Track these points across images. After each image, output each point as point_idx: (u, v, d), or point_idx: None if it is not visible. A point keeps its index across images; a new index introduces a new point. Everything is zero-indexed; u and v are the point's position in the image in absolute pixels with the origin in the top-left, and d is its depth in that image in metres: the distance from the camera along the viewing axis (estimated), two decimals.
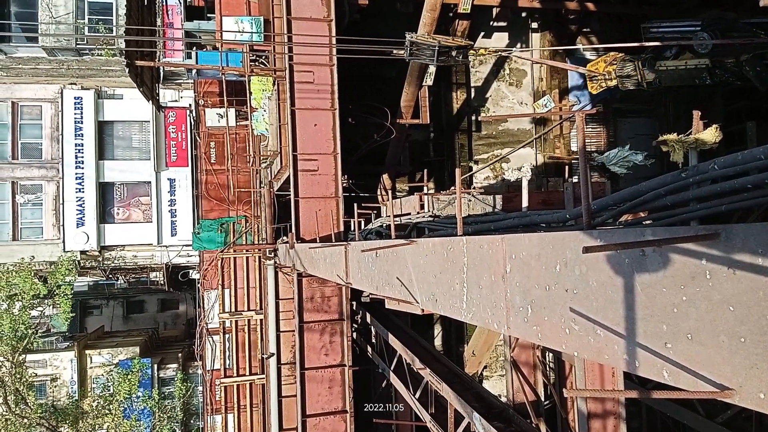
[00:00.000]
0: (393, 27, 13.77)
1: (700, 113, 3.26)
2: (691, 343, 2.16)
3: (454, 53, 10.60)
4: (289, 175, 10.94)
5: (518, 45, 17.78)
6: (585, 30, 17.84)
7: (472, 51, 11.84)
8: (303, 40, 10.65)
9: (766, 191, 2.80)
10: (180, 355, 25.29)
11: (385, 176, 15.02)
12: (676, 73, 11.38)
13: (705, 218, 3.16)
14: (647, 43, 11.36)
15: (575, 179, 12.07)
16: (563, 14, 17.02)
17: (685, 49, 11.23)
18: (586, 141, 3.20)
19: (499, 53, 15.94)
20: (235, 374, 17.40)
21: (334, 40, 10.96)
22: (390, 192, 7.93)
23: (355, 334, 13.82)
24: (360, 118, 14.30)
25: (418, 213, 7.60)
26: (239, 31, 13.03)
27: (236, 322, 17.51)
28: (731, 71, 10.78)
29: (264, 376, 14.78)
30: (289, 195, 10.75)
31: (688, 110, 17.23)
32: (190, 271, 24.09)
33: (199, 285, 20.41)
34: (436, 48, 10.36)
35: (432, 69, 13.49)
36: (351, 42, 9.90)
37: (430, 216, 7.21)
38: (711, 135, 2.94)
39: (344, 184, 11.34)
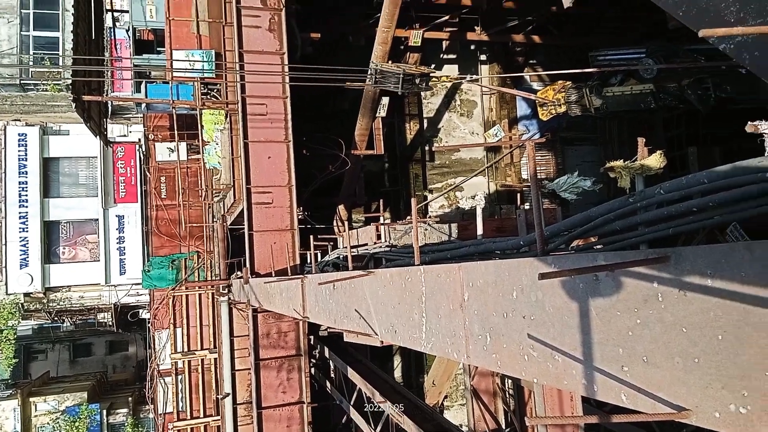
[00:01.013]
0: (345, 60, 13.91)
1: (644, 140, 3.38)
2: (647, 366, 2.18)
3: (417, 80, 10.93)
4: (242, 209, 10.79)
5: (468, 76, 18.21)
6: (532, 62, 18.45)
7: (434, 78, 12.21)
8: (256, 73, 10.63)
9: (710, 214, 2.90)
10: (130, 399, 24.23)
11: (341, 207, 14.98)
12: (622, 98, 11.83)
13: (653, 242, 3.24)
14: (593, 69, 11.83)
15: (527, 206, 12.31)
16: (510, 47, 17.58)
17: (630, 75, 11.71)
18: (537, 168, 3.24)
19: (459, 80, 16.36)
20: (188, 417, 16.74)
21: (287, 73, 11.00)
22: (346, 223, 7.91)
23: (313, 370, 13.55)
24: (315, 149, 14.29)
25: (375, 243, 7.58)
26: (190, 62, 12.93)
27: (189, 362, 16.93)
28: (674, 95, 11.25)
29: (219, 417, 14.28)
30: (243, 229, 10.58)
31: (631, 137, 17.91)
32: (140, 310, 23.29)
33: (149, 325, 19.73)
34: (401, 75, 10.70)
35: (385, 100, 13.66)
36: (305, 73, 9.95)
37: (387, 246, 7.19)
38: (656, 161, 3.03)
39: (300, 216, 11.24)
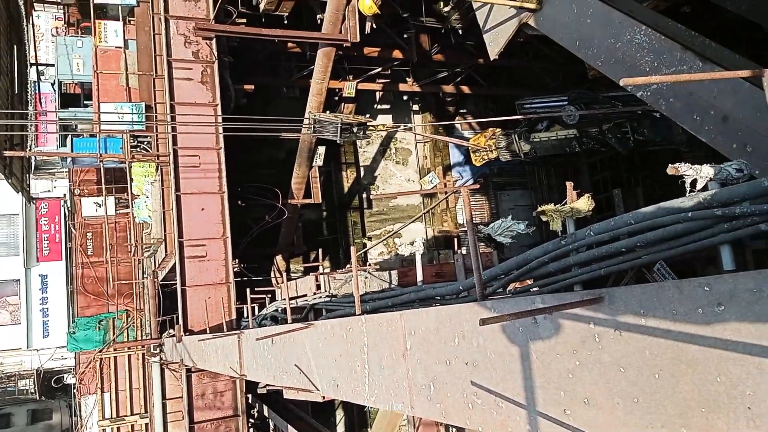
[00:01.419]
0: (279, 111, 13.97)
1: (572, 184, 3.49)
2: (589, 408, 2.18)
3: (355, 129, 11.16)
4: (175, 263, 10.42)
5: (403, 125, 18.62)
6: (462, 110, 19.09)
7: (371, 127, 12.54)
8: (188, 124, 10.48)
9: (638, 254, 3.00)
10: None
11: (279, 258, 14.73)
12: (549, 143, 12.53)
13: (587, 282, 3.32)
14: (520, 116, 12.52)
15: (464, 250, 12.48)
16: (442, 96, 18.16)
17: (555, 121, 12.42)
18: (472, 213, 3.28)
19: (394, 129, 16.71)
20: None
21: (220, 123, 10.90)
22: (284, 274, 7.74)
23: (252, 430, 12.96)
24: (250, 200, 14.10)
25: (314, 294, 7.44)
26: (119, 115, 12.61)
27: (118, 428, 15.88)
28: (596, 139, 12.01)
29: None
30: (176, 284, 10.19)
31: (560, 181, 18.68)
32: (65, 375, 21.82)
33: (75, 391, 18.46)
34: (339, 125, 10.88)
35: (321, 150, 13.73)
36: (239, 123, 9.89)
37: (328, 296, 7.08)
38: (584, 203, 3.13)
39: (235, 269, 10.98)
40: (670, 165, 2.67)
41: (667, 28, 5.03)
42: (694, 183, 2.66)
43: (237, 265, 11.68)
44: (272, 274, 14.91)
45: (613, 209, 15.09)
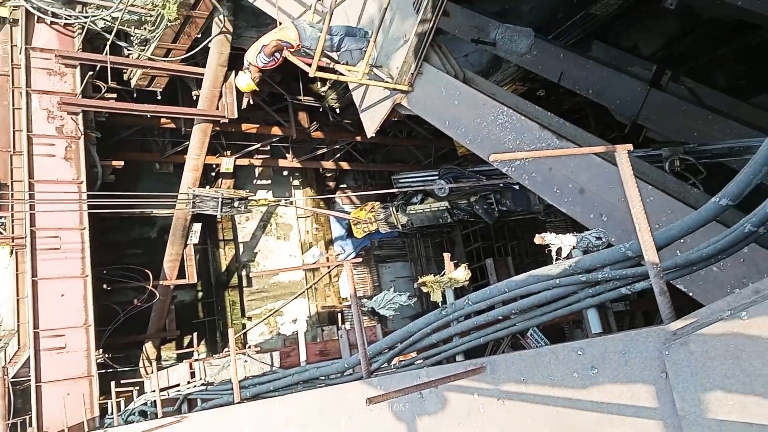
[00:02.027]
0: (151, 188, 13.37)
1: (449, 255, 3.60)
2: None
3: (236, 203, 11.29)
4: (29, 357, 9.32)
5: (283, 200, 18.54)
6: (342, 185, 19.43)
7: (253, 201, 12.67)
8: (48, 202, 9.70)
9: (513, 321, 3.11)
10: None
11: (149, 345, 13.68)
12: (423, 214, 13.59)
13: (468, 351, 3.37)
14: (396, 190, 13.44)
15: (349, 325, 12.38)
16: (322, 172, 18.41)
17: (428, 195, 13.38)
18: (355, 287, 3.25)
19: (275, 203, 16.57)
20: None
21: (85, 201, 10.21)
22: (155, 362, 7.17)
23: None
24: (117, 282, 13.11)
25: (189, 383, 6.91)
26: None
27: None
28: (465, 210, 13.03)
29: None
30: (29, 380, 9.08)
31: (437, 253, 19.35)
32: None
33: None
34: (220, 199, 10.96)
35: (196, 227, 13.23)
36: (106, 201, 9.30)
37: (203, 384, 6.60)
38: (462, 274, 3.22)
39: (99, 360, 10.04)
40: (537, 235, 2.83)
41: (527, 110, 5.50)
42: (559, 251, 2.83)
43: (101, 356, 10.71)
44: (141, 364, 13.77)
45: (486, 278, 15.79)
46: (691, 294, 3.90)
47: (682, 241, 2.57)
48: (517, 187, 11.61)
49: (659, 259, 2.28)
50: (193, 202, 11.20)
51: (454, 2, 11.26)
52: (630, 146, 2.51)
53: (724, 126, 8.34)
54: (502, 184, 11.72)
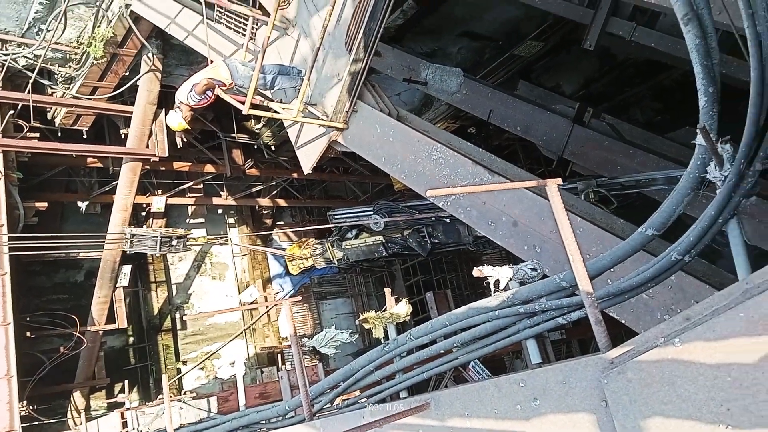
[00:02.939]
0: (78, 229, 12.83)
1: (390, 290, 3.60)
2: None
3: (174, 242, 11.35)
4: None
5: (220, 238, 18.12)
6: (279, 222, 19.22)
7: (192, 239, 12.80)
8: None
9: (455, 354, 3.13)
10: None
11: (77, 394, 12.88)
12: (359, 249, 13.76)
13: (412, 387, 3.35)
14: (332, 225, 13.74)
15: (289, 366, 12.11)
16: (258, 209, 18.16)
17: (364, 229, 13.64)
18: (295, 327, 3.20)
19: (213, 242, 16.22)
20: None
21: (6, 243, 9.64)
22: (84, 413, 6.75)
23: None
24: (42, 329, 12.36)
25: None
26: None
27: None
28: (399, 243, 13.35)
29: None
30: None
31: (377, 288, 19.34)
32: None
33: None
34: (159, 238, 11.02)
35: (126, 269, 12.72)
36: (29, 243, 8.82)
37: None
38: (404, 309, 3.22)
39: (24, 412, 9.34)
40: (475, 268, 2.89)
41: (459, 146, 5.67)
42: (497, 283, 2.90)
43: (25, 408, 9.99)
44: (69, 415, 12.94)
45: (427, 311, 15.89)
46: (623, 321, 4.05)
47: (612, 270, 2.68)
48: (447, 220, 12.05)
49: (592, 288, 2.36)
50: (131, 242, 11.07)
51: (385, 43, 11.58)
52: (559, 180, 2.62)
53: (644, 159, 8.85)
54: (433, 218, 12.11)
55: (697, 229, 2.67)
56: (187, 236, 11.81)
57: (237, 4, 8.03)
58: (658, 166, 8.48)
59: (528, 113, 10.44)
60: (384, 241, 13.39)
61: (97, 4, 10.17)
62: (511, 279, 2.88)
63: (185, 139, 12.73)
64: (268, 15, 7.01)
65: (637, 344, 1.88)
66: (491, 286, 2.84)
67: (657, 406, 1.66)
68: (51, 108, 11.59)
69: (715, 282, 3.86)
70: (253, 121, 14.74)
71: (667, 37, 9.57)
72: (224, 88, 6.75)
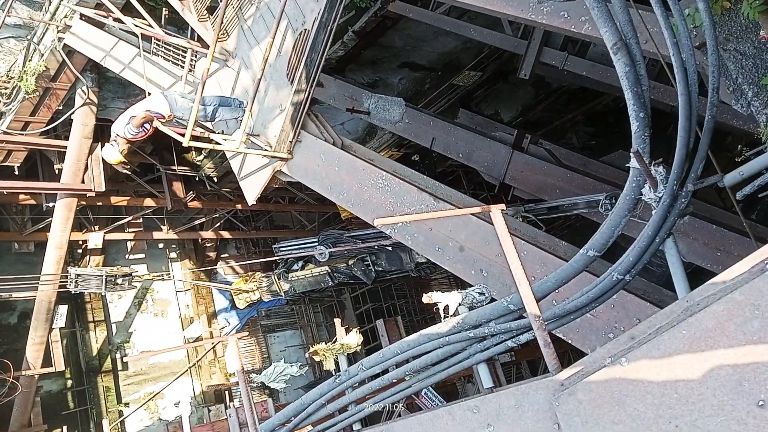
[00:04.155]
0: (9, 269, 12.25)
1: (340, 320, 3.56)
2: None
3: (120, 280, 11.61)
4: None
5: (165, 274, 17.56)
6: (224, 255, 18.81)
7: (137, 277, 13.04)
8: None
9: (408, 383, 3.11)
10: None
11: None
12: (306, 280, 13.78)
13: (365, 419, 3.31)
14: (277, 258, 13.75)
15: (238, 403, 11.76)
16: (201, 243, 17.73)
17: (309, 261, 13.68)
18: (242, 362, 3.10)
19: (159, 278, 15.87)
20: None
21: None
22: None
23: None
24: None
25: None
26: None
27: None
28: (344, 273, 13.45)
29: None
30: None
31: (327, 318, 19.13)
32: None
33: None
34: (104, 277, 11.26)
35: (62, 309, 12.16)
36: None
37: None
38: (354, 339, 3.19)
39: None
40: (424, 295, 2.90)
41: (404, 174, 5.73)
42: (446, 308, 2.91)
43: None
44: None
45: (378, 339, 15.81)
46: (570, 341, 4.14)
47: (557, 291, 2.74)
48: (390, 248, 12.23)
49: (539, 310, 2.40)
50: (75, 282, 11.12)
51: (327, 74, 11.67)
52: (503, 206, 2.68)
53: (581, 182, 9.17)
54: (376, 247, 12.27)
55: (636, 249, 2.78)
56: (132, 274, 11.75)
57: (175, 36, 7.94)
58: (595, 188, 8.79)
59: (469, 140, 10.68)
60: (330, 271, 13.48)
61: (28, 37, 9.86)
62: (460, 304, 2.90)
63: (125, 172, 12.38)
64: (207, 47, 6.96)
65: (586, 365, 1.92)
66: (441, 311, 2.85)
67: (608, 427, 1.70)
68: None
69: (655, 299, 4.01)
70: (194, 152, 14.49)
71: (598, 65, 10.07)
72: (163, 120, 6.62)
